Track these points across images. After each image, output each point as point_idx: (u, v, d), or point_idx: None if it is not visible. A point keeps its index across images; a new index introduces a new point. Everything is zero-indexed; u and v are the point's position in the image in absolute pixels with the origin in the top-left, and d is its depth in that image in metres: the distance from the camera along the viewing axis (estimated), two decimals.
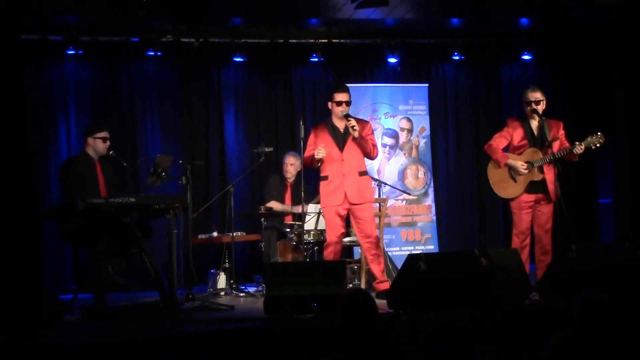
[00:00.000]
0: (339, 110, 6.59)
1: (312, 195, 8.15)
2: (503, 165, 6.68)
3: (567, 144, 6.61)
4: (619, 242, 7.25)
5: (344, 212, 6.60)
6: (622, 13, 7.42)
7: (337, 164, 6.57)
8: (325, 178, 6.64)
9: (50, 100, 8.24)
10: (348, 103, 6.63)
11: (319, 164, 6.63)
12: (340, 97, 6.61)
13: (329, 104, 6.70)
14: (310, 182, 8.47)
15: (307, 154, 6.70)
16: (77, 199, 5.83)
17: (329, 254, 6.56)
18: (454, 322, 3.14)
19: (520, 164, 6.61)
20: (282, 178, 8.14)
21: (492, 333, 5.15)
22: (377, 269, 6.58)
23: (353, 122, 6.51)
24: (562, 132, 6.74)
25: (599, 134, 6.50)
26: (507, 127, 6.78)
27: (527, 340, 5.05)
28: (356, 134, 6.50)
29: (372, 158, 6.90)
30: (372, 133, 6.80)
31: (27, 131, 5.45)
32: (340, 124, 6.66)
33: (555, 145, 6.59)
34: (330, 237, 6.57)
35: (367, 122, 6.89)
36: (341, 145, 6.60)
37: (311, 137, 6.75)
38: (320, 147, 6.52)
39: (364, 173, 6.68)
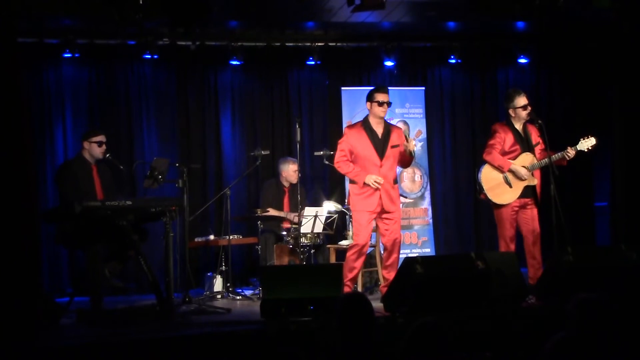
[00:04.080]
0: (380, 111, 6.45)
1: (310, 198, 8.16)
2: (506, 171, 6.64)
3: (543, 146, 6.59)
4: (615, 245, 7.25)
5: (375, 217, 6.53)
6: (619, 15, 7.42)
7: (374, 169, 6.43)
8: None
9: (47, 103, 8.23)
10: (389, 104, 6.52)
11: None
12: (382, 97, 6.46)
13: (368, 104, 6.53)
14: (306, 185, 8.48)
15: (340, 160, 6.52)
16: (73, 202, 5.82)
17: (353, 254, 6.42)
18: (431, 323, 3.18)
19: (524, 170, 6.60)
20: (279, 184, 8.08)
21: (488, 336, 5.15)
22: (392, 273, 6.41)
23: (411, 146, 6.42)
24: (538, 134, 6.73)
25: (590, 137, 6.53)
26: (499, 133, 6.72)
27: (524, 342, 5.05)
28: (412, 149, 6.43)
29: (407, 166, 6.89)
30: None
31: (24, 134, 5.44)
32: (378, 128, 6.50)
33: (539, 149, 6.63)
34: (361, 239, 6.43)
35: (400, 128, 6.76)
36: (381, 152, 6.45)
37: (344, 141, 6.54)
38: (378, 179, 6.36)
39: (395, 181, 6.62)
